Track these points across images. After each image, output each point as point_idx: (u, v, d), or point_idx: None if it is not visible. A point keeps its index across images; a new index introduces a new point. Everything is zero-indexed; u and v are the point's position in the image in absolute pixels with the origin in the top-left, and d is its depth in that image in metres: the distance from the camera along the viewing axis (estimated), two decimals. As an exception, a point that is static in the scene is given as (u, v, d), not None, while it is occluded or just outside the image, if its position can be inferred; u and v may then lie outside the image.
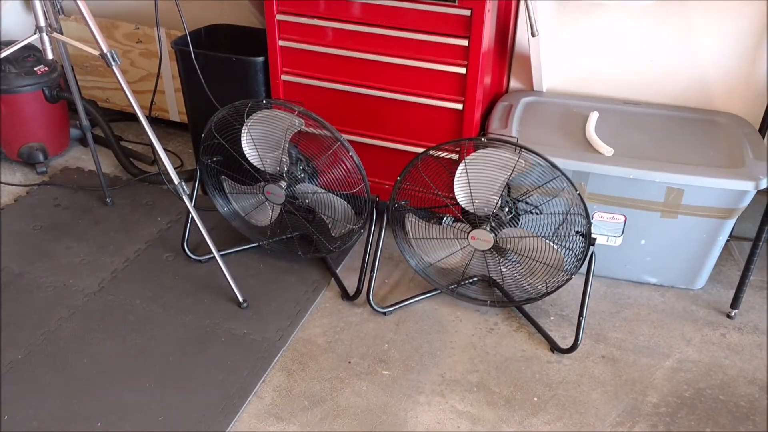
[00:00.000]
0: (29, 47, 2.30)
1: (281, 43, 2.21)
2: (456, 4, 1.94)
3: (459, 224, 1.97)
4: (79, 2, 1.79)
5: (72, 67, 2.37)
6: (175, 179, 1.97)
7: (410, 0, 1.97)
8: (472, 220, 1.94)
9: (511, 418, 1.76)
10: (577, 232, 1.87)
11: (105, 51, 1.82)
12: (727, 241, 2.16)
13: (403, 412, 1.76)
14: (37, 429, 1.70)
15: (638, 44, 2.29)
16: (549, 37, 2.32)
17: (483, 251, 1.96)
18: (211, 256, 2.09)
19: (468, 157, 1.85)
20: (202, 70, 2.28)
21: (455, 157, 2.10)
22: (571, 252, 1.89)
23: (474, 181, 1.86)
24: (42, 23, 1.91)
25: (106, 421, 1.72)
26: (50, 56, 1.97)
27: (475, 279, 2.17)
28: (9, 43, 2.62)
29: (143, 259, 2.29)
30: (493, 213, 1.89)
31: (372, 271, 2.09)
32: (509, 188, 1.90)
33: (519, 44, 2.42)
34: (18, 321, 2.02)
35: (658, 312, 2.11)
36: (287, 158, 2.05)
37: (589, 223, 1.84)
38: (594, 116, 2.19)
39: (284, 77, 2.26)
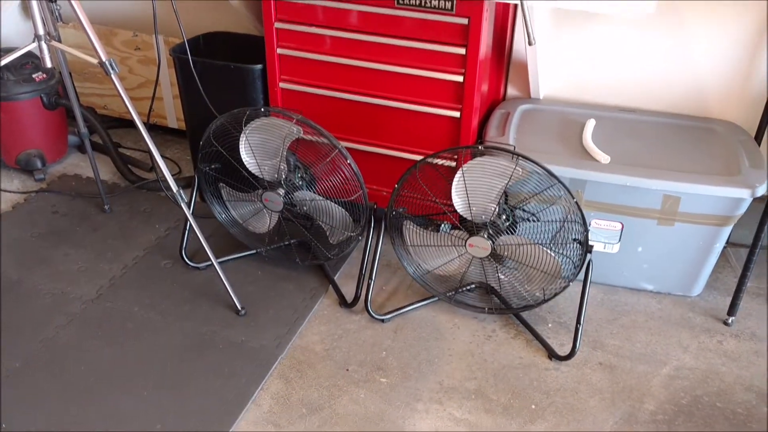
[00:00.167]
0: (27, 54, 2.31)
1: (279, 51, 2.21)
2: (453, 12, 1.95)
3: (457, 231, 1.98)
4: (78, 11, 1.79)
5: (70, 74, 2.37)
6: (174, 187, 1.97)
7: (408, 9, 1.98)
8: (469, 227, 1.94)
9: (508, 425, 1.76)
10: (575, 240, 1.88)
11: (104, 59, 1.83)
12: (724, 248, 2.16)
13: (401, 420, 1.77)
14: (34, 437, 1.70)
15: (634, 52, 2.31)
16: (546, 46, 2.33)
17: (481, 258, 1.97)
18: (209, 263, 2.09)
19: (465, 165, 1.86)
20: (201, 77, 2.29)
21: (453, 164, 2.11)
22: (568, 259, 1.90)
23: (471, 188, 1.87)
24: (41, 32, 1.92)
25: (104, 427, 1.72)
26: (49, 64, 1.98)
27: (473, 286, 2.17)
28: (7, 50, 2.63)
29: (141, 266, 2.29)
30: (490, 220, 1.90)
31: (370, 278, 2.09)
32: (506, 196, 1.91)
33: (516, 52, 2.44)
34: (16, 328, 2.02)
35: (655, 319, 2.11)
36: (285, 166, 2.05)
37: (586, 231, 1.84)
38: (591, 124, 2.20)
39: (282, 85, 2.27)
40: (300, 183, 2.10)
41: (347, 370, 1.91)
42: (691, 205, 1.99)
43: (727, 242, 2.13)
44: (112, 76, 1.85)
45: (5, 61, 1.92)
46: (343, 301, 2.15)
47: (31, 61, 2.64)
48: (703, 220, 2.01)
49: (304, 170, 2.11)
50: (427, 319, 2.11)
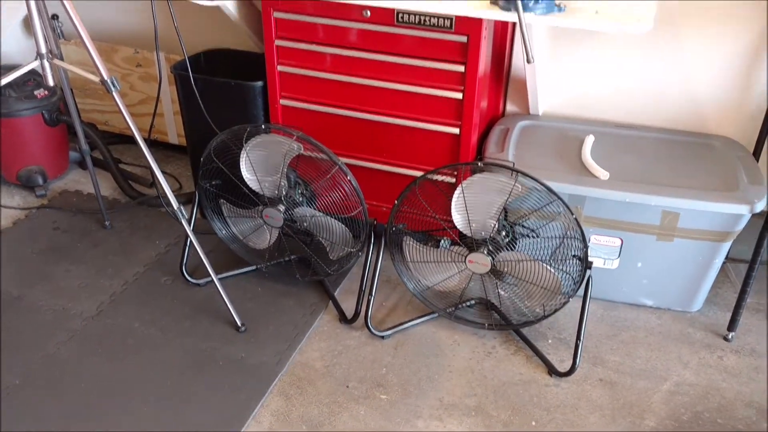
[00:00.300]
0: (30, 71, 2.32)
1: (280, 68, 2.23)
2: (452, 30, 1.96)
3: (456, 248, 1.98)
4: (80, 29, 1.81)
5: (72, 90, 2.39)
6: (174, 203, 1.98)
7: (407, 27, 2.00)
8: (469, 243, 1.95)
9: (509, 442, 1.76)
10: (574, 256, 1.89)
11: (105, 77, 1.84)
12: (724, 263, 2.17)
13: (402, 437, 1.76)
14: (34, 455, 1.69)
15: (633, 69, 2.32)
16: (544, 63, 2.35)
17: (481, 275, 1.97)
18: (210, 279, 2.10)
19: (465, 182, 1.87)
20: (201, 94, 2.30)
21: (452, 180, 2.12)
22: (568, 275, 1.90)
23: (471, 205, 1.87)
24: (43, 50, 1.93)
25: (103, 446, 1.72)
26: (51, 83, 1.99)
27: (473, 302, 2.17)
28: (10, 68, 2.65)
29: (142, 282, 2.29)
30: (490, 236, 1.91)
31: (370, 294, 2.09)
32: (506, 212, 1.91)
33: (515, 68, 2.45)
34: (16, 345, 2.02)
35: (655, 335, 2.11)
36: (285, 182, 2.06)
37: (586, 247, 1.85)
38: (590, 140, 2.21)
39: (283, 102, 2.28)
40: (300, 199, 2.11)
41: (347, 386, 1.91)
42: (690, 221, 1.99)
43: (727, 257, 2.14)
44: (114, 94, 1.86)
45: (8, 79, 1.94)
46: (343, 317, 2.15)
47: (33, 78, 2.66)
48: (702, 235, 2.02)
49: (304, 186, 2.12)
50: (427, 335, 2.11)
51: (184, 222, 2.01)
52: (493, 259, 1.92)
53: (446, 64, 2.03)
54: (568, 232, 1.86)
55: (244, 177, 2.08)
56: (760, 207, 1.93)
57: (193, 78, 2.29)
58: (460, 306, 2.14)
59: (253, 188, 2.10)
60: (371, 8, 2.00)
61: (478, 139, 2.22)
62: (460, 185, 1.87)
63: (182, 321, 2.13)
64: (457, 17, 1.93)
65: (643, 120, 2.39)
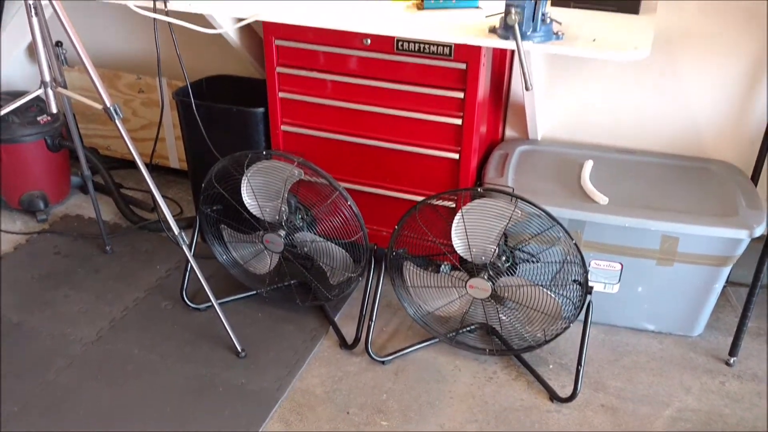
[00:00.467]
0: (33, 98, 2.35)
1: (281, 94, 2.25)
2: (452, 58, 1.98)
3: (457, 273, 1.98)
4: (83, 58, 1.83)
5: (74, 116, 2.41)
6: (175, 228, 1.98)
7: (407, 54, 2.02)
8: (469, 268, 1.95)
9: (511, 469, 1.74)
10: (574, 281, 1.89)
11: (108, 105, 1.86)
12: (724, 287, 2.17)
13: (402, 464, 1.75)
14: (32, 483, 1.68)
15: (630, 93, 2.34)
16: (543, 89, 2.37)
17: (481, 300, 1.97)
18: (210, 304, 2.10)
19: (465, 207, 1.87)
20: (203, 120, 2.32)
21: (452, 205, 2.13)
22: (568, 300, 1.90)
23: (471, 230, 1.88)
24: (47, 78, 1.95)
25: (102, 474, 1.70)
26: (54, 110, 2.01)
27: (474, 327, 2.17)
28: (14, 94, 2.68)
29: (142, 307, 2.29)
30: (490, 261, 1.91)
31: (370, 319, 2.09)
32: (506, 237, 1.92)
33: (514, 93, 2.48)
34: (16, 371, 2.01)
35: (656, 359, 2.10)
36: (286, 207, 2.07)
37: (586, 272, 1.85)
38: (589, 165, 2.23)
39: (284, 128, 2.30)
40: (301, 224, 2.12)
41: (348, 413, 1.90)
42: (690, 246, 2.00)
43: (727, 281, 2.14)
44: (116, 121, 1.87)
45: (12, 107, 1.96)
46: (343, 343, 2.15)
47: (36, 104, 2.68)
48: (701, 260, 2.02)
49: (305, 211, 2.13)
50: (427, 360, 2.10)
51: (184, 247, 2.02)
52: (494, 284, 1.92)
53: (446, 91, 2.05)
54: (568, 257, 1.86)
55: (245, 202, 2.09)
56: (759, 231, 1.94)
57: (194, 104, 2.31)
58: (460, 331, 2.14)
59: (254, 213, 2.11)
60: (371, 36, 2.02)
61: (478, 163, 2.23)
62: (460, 211, 1.88)
63: (182, 346, 2.12)
64: (457, 45, 1.95)
65: (642, 144, 2.41)
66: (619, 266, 2.09)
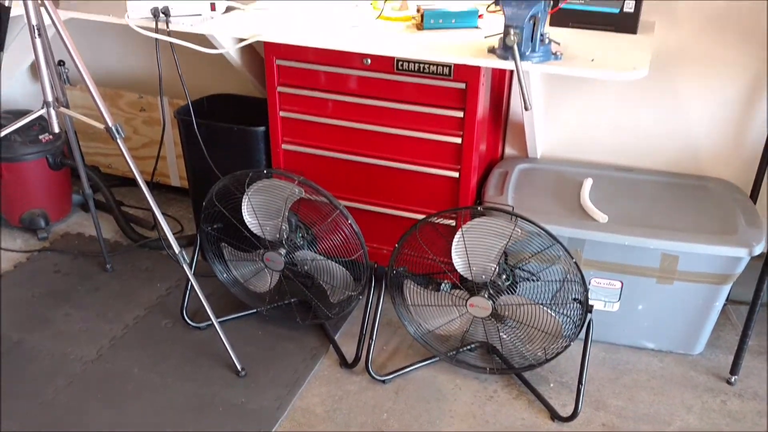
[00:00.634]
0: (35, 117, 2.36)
1: (282, 113, 2.26)
2: (451, 77, 2.00)
3: (457, 291, 1.98)
4: (86, 78, 1.84)
5: (76, 134, 2.42)
6: (176, 247, 1.99)
7: (407, 74, 2.04)
8: (470, 286, 1.95)
9: (512, 490, 1.73)
10: (575, 299, 1.89)
11: (110, 125, 1.87)
12: (725, 305, 2.17)
13: (403, 485, 1.74)
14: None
15: (629, 113, 2.36)
16: (542, 108, 2.39)
17: (482, 318, 1.97)
18: (210, 322, 2.10)
19: (465, 226, 1.88)
20: (204, 138, 2.33)
21: (453, 223, 2.13)
22: (569, 319, 1.90)
23: (471, 248, 1.88)
24: (50, 98, 1.97)
25: (101, 495, 1.69)
26: (57, 130, 2.02)
27: (474, 346, 2.17)
28: (17, 113, 2.69)
29: (142, 326, 2.29)
30: (490, 280, 1.91)
31: (371, 338, 2.09)
32: (506, 255, 1.92)
33: (513, 112, 2.49)
34: (15, 390, 2.01)
35: (657, 378, 2.10)
36: (287, 226, 2.07)
37: (586, 291, 1.85)
38: (588, 183, 2.23)
39: (285, 146, 2.31)
40: (301, 242, 2.12)
41: (348, 432, 1.90)
42: (690, 264, 2.00)
43: (728, 299, 2.14)
44: (118, 141, 1.88)
45: (15, 126, 1.97)
46: (343, 362, 2.14)
47: (38, 122, 2.69)
48: (701, 278, 2.02)
49: (305, 230, 2.13)
50: (428, 379, 2.09)
51: (185, 265, 2.02)
52: (494, 302, 1.92)
53: (445, 110, 2.06)
54: (568, 276, 1.86)
55: (246, 221, 2.10)
56: (758, 250, 1.94)
57: (195, 123, 2.33)
58: (461, 350, 2.13)
59: (255, 232, 2.12)
60: (372, 56, 2.04)
61: (478, 182, 2.24)
62: (460, 229, 1.89)
63: (182, 365, 2.12)
64: (456, 65, 1.97)
65: (641, 163, 2.42)
66: (619, 284, 2.10)
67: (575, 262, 1.82)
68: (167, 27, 2.12)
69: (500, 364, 2.11)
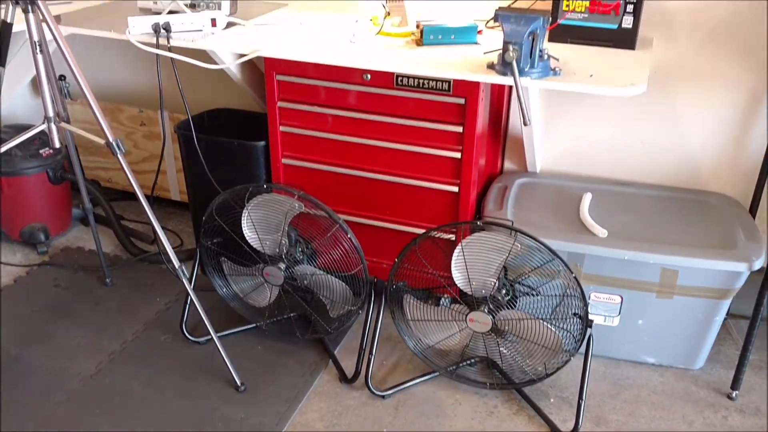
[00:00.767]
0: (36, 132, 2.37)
1: (282, 128, 2.27)
2: (450, 93, 2.01)
3: (457, 306, 1.98)
4: (87, 94, 1.85)
5: (76, 148, 2.43)
6: (175, 261, 1.98)
7: (407, 89, 2.05)
8: (469, 301, 1.95)
9: (512, 506, 1.72)
10: (575, 314, 1.89)
11: (110, 140, 1.87)
12: (725, 319, 2.17)
13: (403, 501, 1.73)
14: None
15: (628, 127, 2.37)
16: (541, 123, 2.40)
17: (482, 333, 1.97)
18: (209, 337, 2.09)
19: (464, 240, 1.88)
20: (204, 153, 2.34)
21: (452, 237, 2.14)
22: (569, 334, 1.90)
23: (471, 263, 1.88)
24: (51, 113, 1.97)
25: None
26: (57, 144, 2.02)
27: (474, 360, 2.16)
28: (17, 127, 2.70)
29: (141, 340, 2.28)
30: (490, 295, 1.91)
31: (370, 353, 2.08)
32: (506, 270, 1.92)
33: (512, 127, 2.50)
34: (13, 406, 2.00)
35: (658, 393, 2.09)
36: (286, 240, 2.08)
37: (586, 305, 1.85)
38: (587, 197, 2.24)
39: (285, 161, 2.32)
40: (301, 257, 2.12)
41: (348, 448, 1.89)
42: (690, 279, 2.00)
43: (728, 314, 2.13)
44: (119, 156, 1.89)
45: (17, 141, 1.98)
46: (343, 377, 2.13)
47: (39, 137, 2.70)
48: (701, 293, 2.02)
49: (305, 244, 2.13)
50: (428, 394, 2.09)
51: (184, 280, 2.02)
52: (494, 317, 1.91)
53: (445, 125, 2.07)
54: (568, 291, 1.86)
55: (246, 235, 2.10)
56: (758, 264, 1.94)
57: (196, 137, 2.33)
58: (461, 365, 2.13)
59: (254, 246, 2.12)
60: (371, 72, 2.05)
61: (477, 196, 2.24)
62: (459, 244, 1.89)
63: (181, 381, 2.11)
64: (455, 80, 1.98)
65: (640, 177, 2.42)
66: (619, 299, 2.09)
67: (575, 277, 1.82)
68: (168, 42, 2.13)
69: (500, 379, 2.10)
